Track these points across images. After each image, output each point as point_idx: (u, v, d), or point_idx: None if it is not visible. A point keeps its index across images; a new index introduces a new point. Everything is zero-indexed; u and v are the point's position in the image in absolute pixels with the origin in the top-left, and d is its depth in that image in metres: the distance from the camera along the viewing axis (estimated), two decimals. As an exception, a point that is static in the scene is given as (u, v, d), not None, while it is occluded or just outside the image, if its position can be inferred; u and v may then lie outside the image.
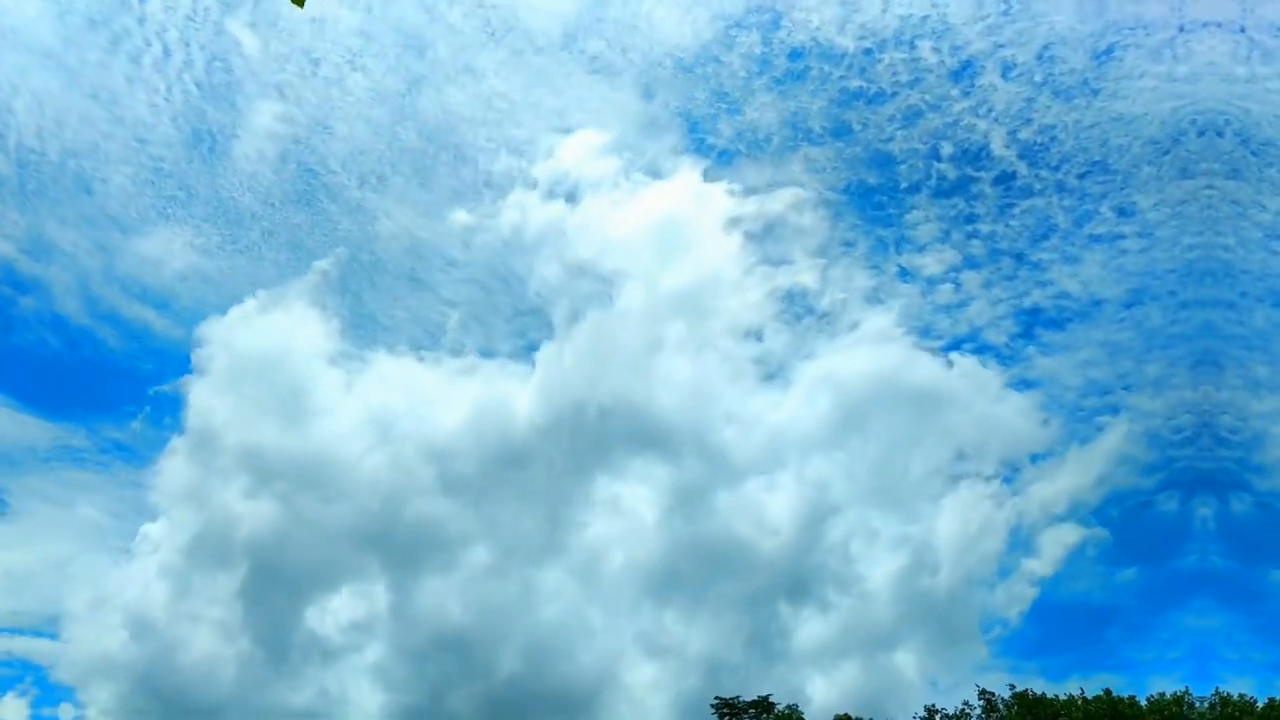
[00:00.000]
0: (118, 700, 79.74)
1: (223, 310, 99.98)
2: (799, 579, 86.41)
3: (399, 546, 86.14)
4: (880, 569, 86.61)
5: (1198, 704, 56.66)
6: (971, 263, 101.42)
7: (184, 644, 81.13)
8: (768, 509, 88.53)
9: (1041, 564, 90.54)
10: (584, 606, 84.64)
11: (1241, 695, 56.17)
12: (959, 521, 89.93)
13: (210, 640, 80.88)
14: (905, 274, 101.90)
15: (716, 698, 62.55)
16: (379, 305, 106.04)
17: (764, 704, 61.32)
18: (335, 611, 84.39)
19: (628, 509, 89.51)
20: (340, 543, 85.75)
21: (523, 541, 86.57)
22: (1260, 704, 55.30)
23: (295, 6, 5.72)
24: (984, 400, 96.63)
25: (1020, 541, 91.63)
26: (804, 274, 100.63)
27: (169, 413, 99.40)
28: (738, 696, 62.63)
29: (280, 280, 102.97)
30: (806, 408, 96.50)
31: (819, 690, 77.31)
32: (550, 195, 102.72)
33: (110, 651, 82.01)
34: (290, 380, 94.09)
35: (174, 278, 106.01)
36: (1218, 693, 56.49)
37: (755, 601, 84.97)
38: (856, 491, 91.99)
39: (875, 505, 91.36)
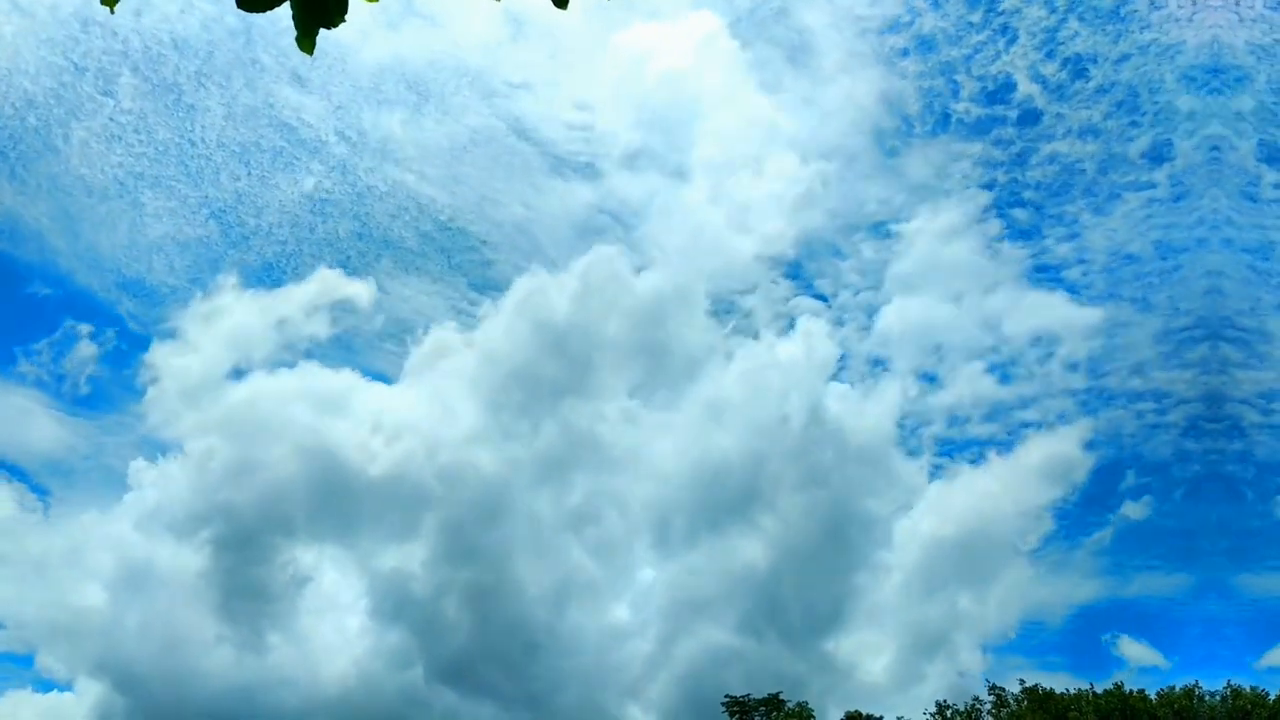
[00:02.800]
0: (130, 692, 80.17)
1: (199, 277, 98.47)
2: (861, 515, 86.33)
3: (385, 509, 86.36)
4: (927, 515, 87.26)
5: (1208, 697, 56.46)
6: (999, 213, 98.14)
7: (192, 634, 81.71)
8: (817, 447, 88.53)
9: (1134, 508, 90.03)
10: (592, 556, 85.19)
11: (1253, 688, 56.02)
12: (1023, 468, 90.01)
13: (209, 624, 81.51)
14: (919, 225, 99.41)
15: (727, 695, 63.05)
16: (369, 267, 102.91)
17: (774, 701, 61.65)
18: (333, 576, 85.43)
19: (654, 440, 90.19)
20: (333, 510, 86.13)
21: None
22: (1271, 697, 55.10)
23: (304, 53, 5.36)
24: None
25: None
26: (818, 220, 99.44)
27: (148, 389, 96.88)
28: (748, 694, 63.05)
29: (262, 245, 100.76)
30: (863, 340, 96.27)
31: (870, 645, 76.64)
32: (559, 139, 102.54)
33: (114, 644, 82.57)
34: (279, 352, 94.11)
35: (148, 247, 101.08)
36: (1229, 685, 56.27)
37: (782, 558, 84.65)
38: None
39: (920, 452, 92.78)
